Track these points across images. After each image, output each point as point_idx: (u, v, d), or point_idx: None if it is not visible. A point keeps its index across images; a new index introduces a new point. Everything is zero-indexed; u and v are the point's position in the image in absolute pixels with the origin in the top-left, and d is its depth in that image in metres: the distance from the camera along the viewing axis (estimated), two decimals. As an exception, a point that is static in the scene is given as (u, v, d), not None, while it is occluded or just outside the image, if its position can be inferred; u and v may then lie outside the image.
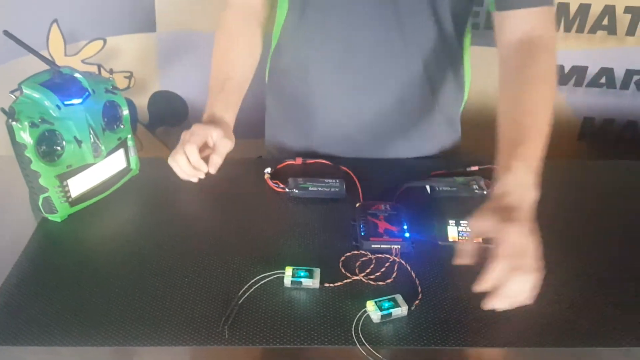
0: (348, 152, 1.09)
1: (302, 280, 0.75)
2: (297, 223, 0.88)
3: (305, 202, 0.93)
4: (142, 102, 1.55)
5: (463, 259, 0.73)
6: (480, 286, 0.68)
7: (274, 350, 0.68)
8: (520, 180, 0.75)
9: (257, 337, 0.68)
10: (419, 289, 0.76)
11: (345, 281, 0.76)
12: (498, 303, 0.68)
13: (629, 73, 1.54)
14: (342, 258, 0.81)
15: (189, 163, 0.91)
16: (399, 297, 0.73)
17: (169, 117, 1.57)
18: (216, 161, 0.92)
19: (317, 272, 0.76)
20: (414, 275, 0.78)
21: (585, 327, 0.71)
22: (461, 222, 0.85)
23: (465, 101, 1.12)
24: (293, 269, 0.76)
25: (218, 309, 0.72)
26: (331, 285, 0.76)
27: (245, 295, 0.74)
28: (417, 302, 0.74)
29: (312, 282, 0.75)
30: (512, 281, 0.67)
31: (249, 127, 1.19)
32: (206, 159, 0.92)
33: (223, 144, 0.93)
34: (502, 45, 0.91)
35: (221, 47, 1.04)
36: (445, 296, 0.75)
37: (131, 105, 1.53)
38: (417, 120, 1.07)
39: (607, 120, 1.61)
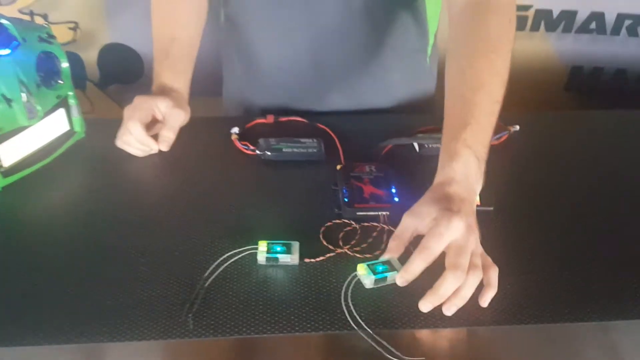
0: (309, 103, 0.99)
1: (279, 256, 0.65)
2: (270, 190, 0.77)
3: (278, 166, 0.82)
4: (90, 57, 1.39)
5: (393, 253, 0.63)
6: (427, 305, 0.59)
7: (249, 341, 0.58)
8: (465, 168, 0.65)
9: (227, 327, 0.58)
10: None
11: (327, 255, 0.67)
12: (452, 309, 0.59)
13: (621, 17, 1.44)
14: (323, 229, 0.70)
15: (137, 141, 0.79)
16: (394, 261, 0.63)
17: (122, 73, 1.41)
18: (167, 137, 0.81)
19: (295, 246, 0.66)
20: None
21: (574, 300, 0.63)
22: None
23: (431, 45, 1.01)
24: (267, 244, 0.65)
25: (181, 293, 0.61)
26: (312, 260, 0.66)
27: (213, 277, 0.63)
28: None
29: (290, 258, 0.65)
30: (465, 287, 0.58)
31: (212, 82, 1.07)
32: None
33: (174, 116, 0.82)
34: (450, 6, 0.78)
35: (161, 2, 0.91)
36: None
37: (78, 60, 1.37)
38: (367, 62, 0.96)
39: (597, 69, 1.52)
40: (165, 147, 0.80)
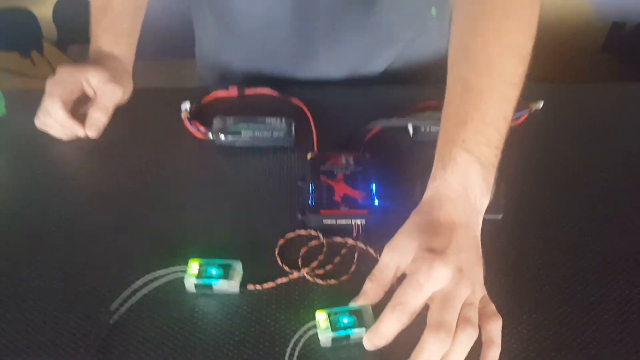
0: (293, 69, 0.81)
1: (214, 282, 0.49)
2: (221, 186, 0.62)
3: (235, 154, 0.66)
4: (44, 12, 1.22)
5: (368, 299, 0.47)
6: None
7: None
8: (463, 180, 0.48)
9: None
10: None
11: (278, 281, 0.51)
12: None
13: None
14: (281, 242, 0.55)
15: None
16: (366, 309, 0.47)
17: (83, 31, 1.24)
18: (96, 119, 0.64)
19: (236, 267, 0.50)
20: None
21: None
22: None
23: None
24: (200, 264, 0.50)
25: (81, 330, 0.47)
26: (258, 287, 0.50)
27: (123, 309, 0.48)
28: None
29: (228, 284, 0.50)
30: (453, 351, 0.42)
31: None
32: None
33: (107, 94, 0.65)
34: None
35: None
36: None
37: (31, 17, 1.20)
38: (361, 14, 0.77)
39: (641, 26, 1.31)
40: (93, 133, 0.64)
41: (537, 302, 0.50)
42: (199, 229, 0.56)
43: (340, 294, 0.50)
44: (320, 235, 0.55)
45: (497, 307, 0.46)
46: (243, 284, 0.50)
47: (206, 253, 0.51)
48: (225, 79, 0.87)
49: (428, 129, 0.67)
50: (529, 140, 0.67)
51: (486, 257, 0.47)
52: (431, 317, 0.42)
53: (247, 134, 0.66)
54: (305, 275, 0.51)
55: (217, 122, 0.67)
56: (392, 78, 0.83)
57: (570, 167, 0.65)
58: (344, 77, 0.82)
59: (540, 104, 0.71)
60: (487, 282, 0.47)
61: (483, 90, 0.49)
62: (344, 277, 0.51)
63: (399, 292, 0.43)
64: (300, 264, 0.53)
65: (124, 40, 0.71)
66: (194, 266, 0.50)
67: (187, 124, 0.68)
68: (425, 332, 0.41)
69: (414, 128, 0.67)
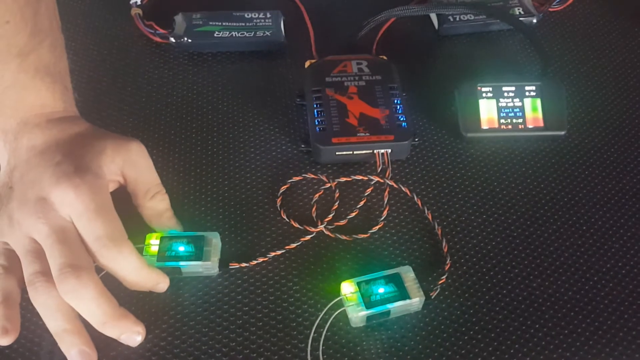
0: None
1: (182, 263, 0.36)
2: (185, 111, 0.46)
3: (207, 62, 0.50)
4: None
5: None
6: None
7: None
8: None
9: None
10: (444, 243, 0.38)
11: (273, 254, 0.38)
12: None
13: None
14: (283, 188, 0.41)
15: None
16: (406, 271, 0.35)
17: None
18: (165, 216, 0.38)
19: (212, 241, 0.37)
20: (427, 211, 0.39)
21: None
22: (504, 87, 0.44)
23: None
24: (162, 238, 0.36)
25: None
26: (244, 265, 0.37)
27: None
28: (442, 279, 0.36)
29: (202, 266, 0.36)
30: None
31: None
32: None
33: (144, 170, 0.38)
34: None
35: None
36: (495, 252, 0.38)
37: None
38: None
39: None
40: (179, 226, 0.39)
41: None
42: (163, 179, 0.39)
43: (372, 252, 0.37)
44: (330, 180, 0.41)
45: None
46: (223, 263, 0.36)
47: (178, 219, 0.38)
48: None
49: (456, 18, 0.52)
50: (581, 27, 0.53)
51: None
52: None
53: (221, 34, 0.49)
54: (324, 230, 0.38)
55: (180, 20, 0.50)
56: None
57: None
58: None
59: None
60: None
61: None
62: (376, 228, 0.39)
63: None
64: (314, 216, 0.39)
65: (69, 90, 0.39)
66: (152, 241, 0.36)
67: (140, 23, 0.51)
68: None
69: (440, 18, 0.52)
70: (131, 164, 0.36)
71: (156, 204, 0.37)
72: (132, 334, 0.33)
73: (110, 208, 0.34)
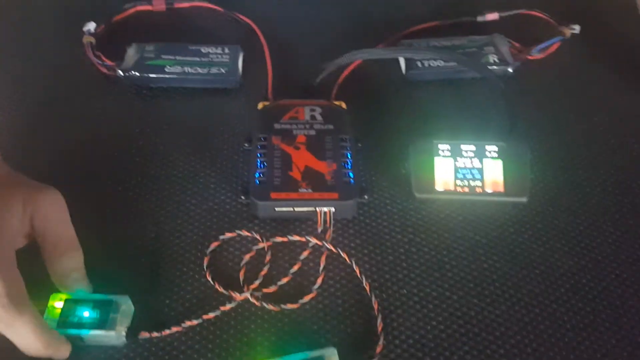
0: None
1: (84, 330, 0.32)
2: (132, 150, 0.43)
3: (158, 98, 0.47)
4: None
5: None
6: None
7: None
8: None
9: None
10: (379, 320, 0.34)
11: (187, 324, 0.34)
12: None
13: None
14: (212, 247, 0.38)
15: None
16: (330, 355, 0.32)
17: None
18: (72, 277, 0.34)
19: (122, 306, 0.33)
20: (364, 282, 0.36)
21: None
22: (463, 146, 0.41)
23: None
24: (67, 301, 0.33)
25: None
26: (154, 335, 0.33)
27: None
28: (370, 360, 0.33)
29: (106, 335, 0.32)
30: None
31: None
32: None
33: (54, 222, 0.34)
34: None
35: None
36: (435, 334, 0.34)
37: None
38: None
39: None
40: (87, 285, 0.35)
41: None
42: (81, 233, 0.35)
43: (300, 326, 0.34)
44: (263, 240, 0.38)
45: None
46: (132, 331, 0.33)
47: (92, 271, 0.34)
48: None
49: (425, 63, 0.49)
50: (560, 81, 0.50)
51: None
52: None
53: (173, 69, 0.47)
54: (249, 297, 0.35)
55: (131, 52, 0.47)
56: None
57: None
58: None
59: (577, 28, 0.52)
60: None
61: None
62: (306, 298, 0.35)
63: None
64: (241, 279, 0.36)
65: None
66: (54, 304, 0.33)
67: (90, 53, 0.48)
68: None
69: (407, 62, 0.49)
70: (41, 215, 0.33)
71: (65, 261, 0.34)
72: None
73: (12, 266, 0.31)
